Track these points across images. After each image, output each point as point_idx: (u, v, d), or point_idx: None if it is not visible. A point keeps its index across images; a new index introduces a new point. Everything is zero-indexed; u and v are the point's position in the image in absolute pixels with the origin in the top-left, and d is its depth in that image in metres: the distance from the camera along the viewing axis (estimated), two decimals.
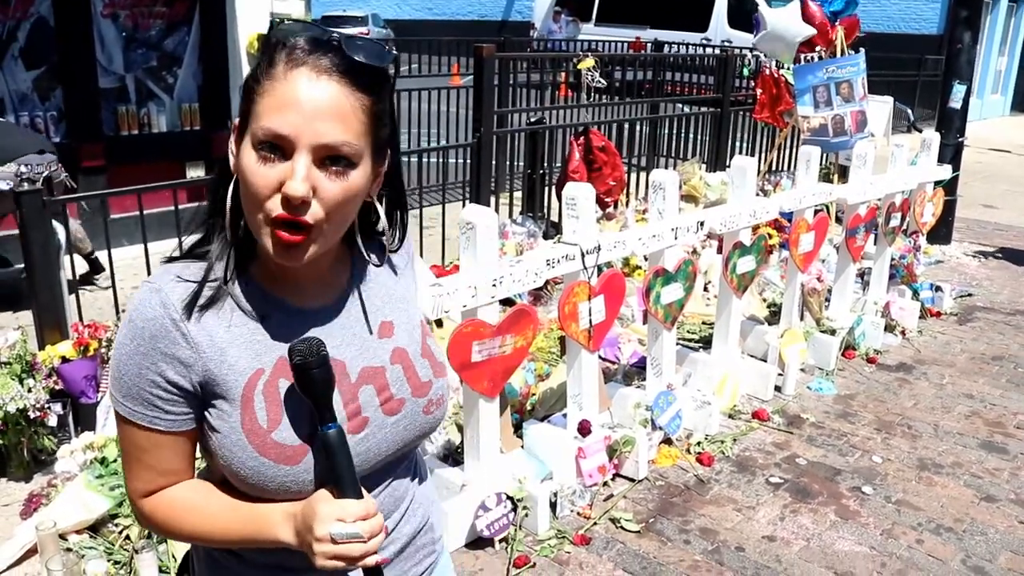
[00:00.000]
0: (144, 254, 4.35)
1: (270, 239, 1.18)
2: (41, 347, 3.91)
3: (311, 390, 1.24)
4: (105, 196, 4.51)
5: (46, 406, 3.66)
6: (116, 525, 3.28)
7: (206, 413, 1.27)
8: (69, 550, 3.11)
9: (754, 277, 4.69)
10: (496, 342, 3.24)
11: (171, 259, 1.30)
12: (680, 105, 9.90)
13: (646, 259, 5.94)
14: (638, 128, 8.80)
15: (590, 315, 3.63)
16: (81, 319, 4.08)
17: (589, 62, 6.49)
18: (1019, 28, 24.18)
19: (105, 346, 4.03)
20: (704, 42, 16.41)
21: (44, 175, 4.38)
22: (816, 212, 5.15)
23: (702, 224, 4.22)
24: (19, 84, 5.92)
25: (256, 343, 1.26)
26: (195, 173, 6.63)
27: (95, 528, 3.28)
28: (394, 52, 1.25)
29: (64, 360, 3.83)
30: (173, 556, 3.13)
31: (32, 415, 3.58)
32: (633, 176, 7.81)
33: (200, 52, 6.74)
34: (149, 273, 4.35)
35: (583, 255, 3.55)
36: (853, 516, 3.62)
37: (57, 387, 3.78)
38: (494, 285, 3.19)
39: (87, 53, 6.13)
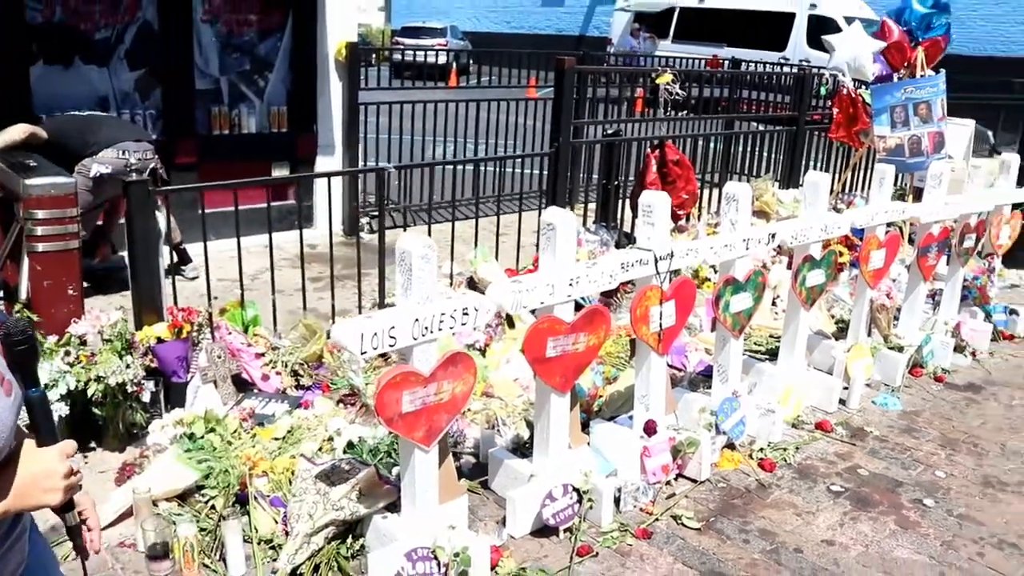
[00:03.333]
0: (236, 247, 4.60)
1: None
2: (139, 327, 4.16)
3: (18, 361, 1.49)
4: (203, 189, 4.76)
5: (141, 382, 3.90)
6: (203, 495, 3.49)
7: None
8: (158, 515, 3.33)
9: (823, 291, 4.75)
10: (570, 339, 3.38)
11: None
12: (755, 124, 9.93)
13: (715, 271, 6.02)
14: (712, 144, 8.86)
15: (660, 319, 3.74)
16: (176, 303, 4.33)
17: (667, 77, 6.61)
18: None
19: (196, 330, 4.28)
20: (782, 61, 16.35)
21: (151, 166, 4.67)
22: (887, 230, 5.18)
23: (773, 236, 4.31)
24: (123, 84, 6.26)
25: None
26: (280, 173, 6.92)
27: (183, 497, 3.50)
28: None
29: (159, 340, 4.08)
30: (255, 528, 3.33)
31: (130, 389, 3.83)
32: (706, 192, 7.89)
33: (291, 58, 7.02)
34: (241, 266, 4.62)
35: (656, 260, 3.67)
36: (913, 526, 3.67)
37: (152, 365, 4.03)
38: (571, 284, 3.33)
39: (186, 56, 6.46)
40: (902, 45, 7.30)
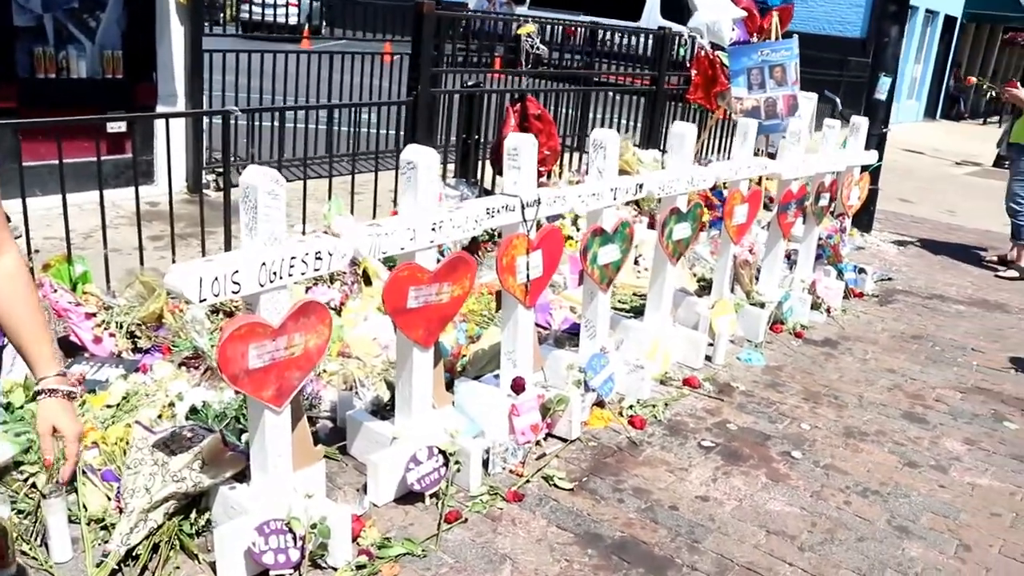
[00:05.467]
0: (62, 196, 4.14)
1: None
2: None
3: None
4: (20, 127, 4.22)
5: None
6: (21, 473, 3.09)
7: None
8: None
9: (688, 245, 4.68)
10: (433, 289, 3.15)
11: None
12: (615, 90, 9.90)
13: (578, 229, 5.91)
14: (571, 108, 8.75)
15: (528, 269, 3.55)
16: None
17: (529, 27, 6.42)
18: (933, 37, 24.98)
19: None
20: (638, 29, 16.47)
21: None
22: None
23: (641, 186, 4.19)
24: None
25: None
26: (115, 124, 6.34)
27: None
28: None
29: None
30: (84, 506, 2.97)
31: None
32: (566, 156, 7.77)
33: None
34: (67, 224, 4.16)
35: (523, 207, 3.47)
36: (783, 479, 3.64)
37: None
38: (433, 229, 3.09)
39: None
40: (752, 12, 7.40)
